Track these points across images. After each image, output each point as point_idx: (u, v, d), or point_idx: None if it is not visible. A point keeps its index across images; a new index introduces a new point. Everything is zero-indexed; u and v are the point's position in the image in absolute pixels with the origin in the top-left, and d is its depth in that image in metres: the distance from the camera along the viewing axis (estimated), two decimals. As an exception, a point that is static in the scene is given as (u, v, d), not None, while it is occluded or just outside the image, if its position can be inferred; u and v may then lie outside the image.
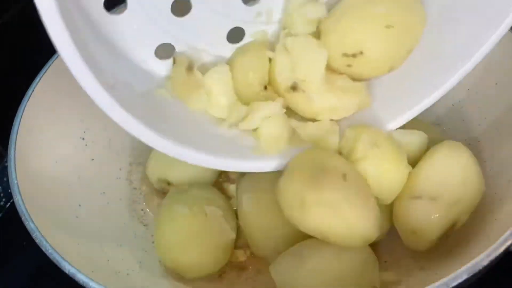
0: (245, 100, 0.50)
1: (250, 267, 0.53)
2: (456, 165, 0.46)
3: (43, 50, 0.59)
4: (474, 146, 0.54)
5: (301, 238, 0.47)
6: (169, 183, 0.56)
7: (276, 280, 0.46)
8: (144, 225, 0.57)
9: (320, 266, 0.44)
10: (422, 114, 0.50)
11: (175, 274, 0.51)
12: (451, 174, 0.45)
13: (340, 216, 0.42)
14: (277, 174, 0.49)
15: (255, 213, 0.50)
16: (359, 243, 0.43)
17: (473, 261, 0.37)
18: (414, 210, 0.46)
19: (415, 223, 0.46)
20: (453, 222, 0.46)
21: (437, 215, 0.45)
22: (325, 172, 0.43)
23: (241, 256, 0.53)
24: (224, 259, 0.52)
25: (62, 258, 0.42)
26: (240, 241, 0.53)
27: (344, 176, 0.43)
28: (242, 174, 0.52)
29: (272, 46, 0.50)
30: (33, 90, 0.54)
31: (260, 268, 0.52)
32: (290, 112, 0.50)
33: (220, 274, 0.52)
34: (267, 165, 0.47)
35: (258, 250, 0.51)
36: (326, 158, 0.45)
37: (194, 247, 0.49)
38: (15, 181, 0.47)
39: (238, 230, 0.52)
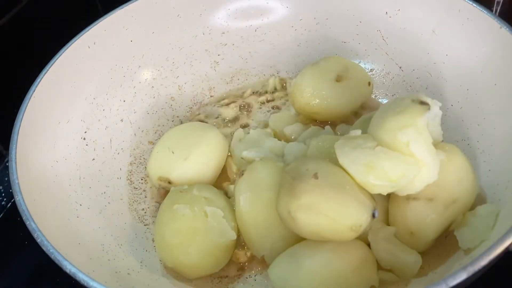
0: None
1: (250, 268, 0.53)
2: (451, 166, 0.46)
3: (44, 51, 0.59)
4: (473, 146, 0.54)
5: (297, 237, 0.47)
6: (170, 182, 0.56)
7: (274, 282, 0.46)
8: (145, 225, 0.57)
9: (318, 266, 0.44)
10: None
11: (176, 274, 0.51)
12: (446, 175, 0.45)
13: (321, 214, 0.43)
14: (274, 176, 0.50)
15: (252, 213, 0.50)
16: (350, 233, 0.43)
17: (472, 261, 0.37)
18: (412, 212, 0.46)
19: (413, 224, 0.46)
20: (449, 222, 0.47)
21: (434, 216, 0.46)
22: (299, 178, 0.44)
23: (242, 256, 0.53)
24: (225, 259, 0.52)
25: (63, 257, 0.42)
26: (241, 241, 0.53)
27: (316, 175, 0.44)
28: (240, 175, 0.53)
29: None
30: (34, 91, 0.55)
31: (260, 269, 0.53)
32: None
33: (220, 274, 0.52)
34: None
35: (255, 249, 0.51)
36: (299, 165, 0.46)
37: (194, 247, 0.49)
38: (16, 181, 0.47)
39: (239, 231, 0.53)
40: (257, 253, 0.51)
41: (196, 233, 0.49)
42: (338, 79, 0.62)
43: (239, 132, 0.63)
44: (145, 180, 0.62)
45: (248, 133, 0.62)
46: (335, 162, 0.46)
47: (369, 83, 0.64)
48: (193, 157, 0.56)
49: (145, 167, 0.62)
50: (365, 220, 0.43)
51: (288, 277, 0.45)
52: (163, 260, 0.52)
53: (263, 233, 0.50)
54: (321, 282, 0.44)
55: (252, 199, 0.50)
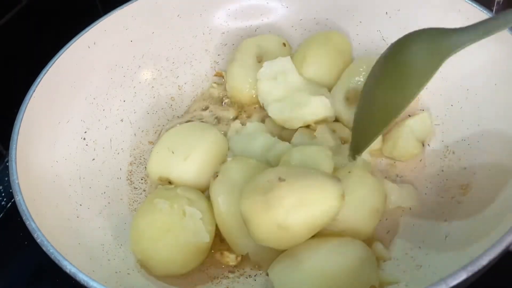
0: None
1: (250, 268, 0.53)
2: None
3: (44, 51, 0.59)
4: (473, 147, 0.54)
5: None
6: (170, 182, 0.56)
7: (274, 282, 0.46)
8: (144, 225, 0.57)
9: (318, 266, 0.45)
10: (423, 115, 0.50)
11: (145, 268, 0.51)
12: None
13: (309, 205, 0.44)
14: (249, 173, 0.51)
15: (232, 213, 0.50)
16: (341, 202, 0.45)
17: (472, 261, 0.37)
18: None
19: None
20: None
21: None
22: (269, 191, 0.44)
23: (232, 260, 0.52)
24: (193, 262, 0.51)
25: (63, 257, 0.42)
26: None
27: (280, 178, 0.45)
28: (214, 177, 0.52)
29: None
30: (34, 91, 0.55)
31: (260, 269, 0.53)
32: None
33: (221, 274, 0.52)
34: None
35: (238, 249, 0.51)
36: (257, 183, 0.46)
37: (165, 242, 0.48)
38: (16, 181, 0.47)
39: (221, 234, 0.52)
40: (241, 251, 0.51)
41: (169, 228, 0.49)
42: (259, 59, 0.63)
43: (236, 124, 0.63)
44: (145, 180, 0.62)
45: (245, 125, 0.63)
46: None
47: (284, 44, 0.65)
48: (193, 157, 0.56)
49: (145, 167, 0.62)
50: (341, 187, 0.45)
51: (288, 277, 0.45)
52: (134, 251, 0.51)
53: (246, 231, 0.49)
54: (321, 282, 0.44)
55: (230, 199, 0.50)
